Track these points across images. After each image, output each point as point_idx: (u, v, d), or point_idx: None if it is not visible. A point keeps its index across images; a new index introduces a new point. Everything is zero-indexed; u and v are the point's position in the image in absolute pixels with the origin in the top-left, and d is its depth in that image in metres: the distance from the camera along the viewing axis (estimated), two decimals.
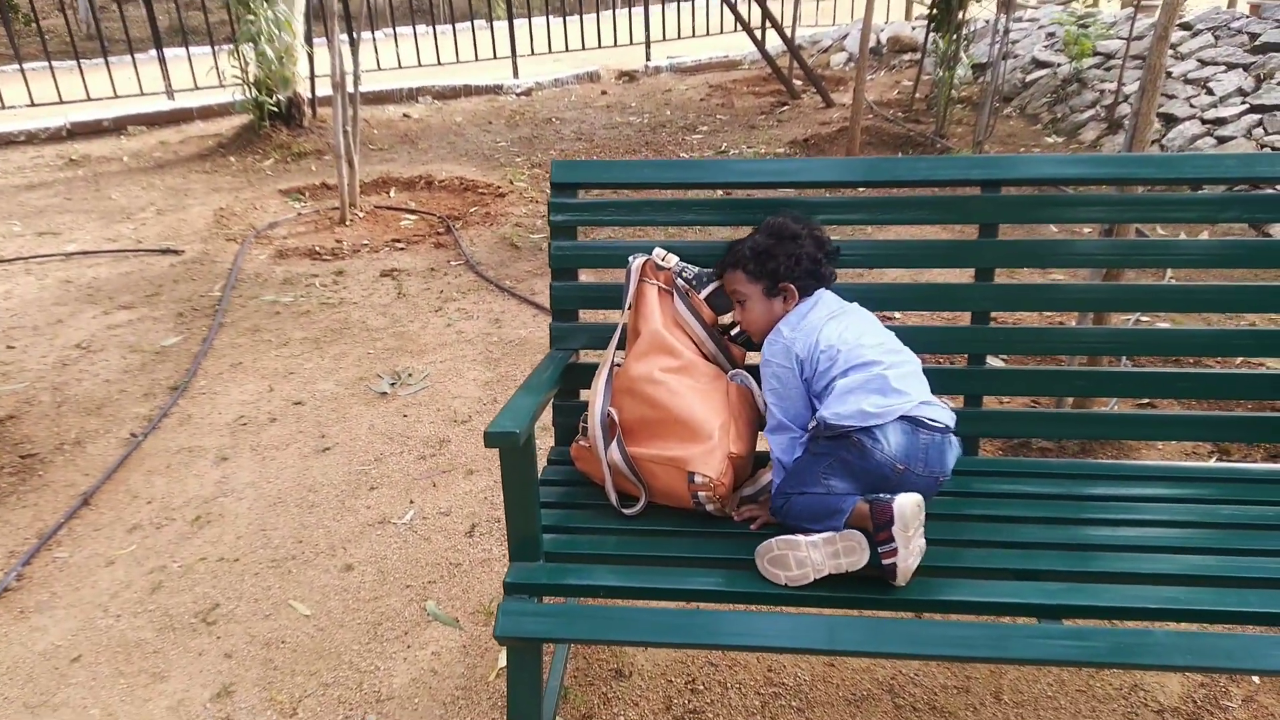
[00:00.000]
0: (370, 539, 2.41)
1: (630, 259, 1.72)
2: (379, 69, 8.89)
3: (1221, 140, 5.34)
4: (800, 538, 1.41)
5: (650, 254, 1.72)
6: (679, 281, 1.69)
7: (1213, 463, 2.53)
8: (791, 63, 8.50)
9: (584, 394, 1.90)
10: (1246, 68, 5.90)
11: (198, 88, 7.96)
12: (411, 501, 2.58)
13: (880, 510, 1.36)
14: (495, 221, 5.18)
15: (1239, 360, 2.89)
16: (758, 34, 8.53)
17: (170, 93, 8.18)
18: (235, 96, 6.81)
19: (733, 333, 1.76)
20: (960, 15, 6.33)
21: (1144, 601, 1.34)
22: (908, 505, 1.36)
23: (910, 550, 1.37)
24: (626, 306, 1.70)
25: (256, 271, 4.46)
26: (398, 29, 9.76)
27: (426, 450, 2.85)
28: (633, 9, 10.76)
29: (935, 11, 6.44)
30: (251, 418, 3.09)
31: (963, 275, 1.80)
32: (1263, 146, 5.02)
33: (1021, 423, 1.84)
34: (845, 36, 10.56)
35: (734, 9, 8.48)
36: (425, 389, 3.26)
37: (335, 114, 5.00)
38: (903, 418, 1.47)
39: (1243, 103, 5.52)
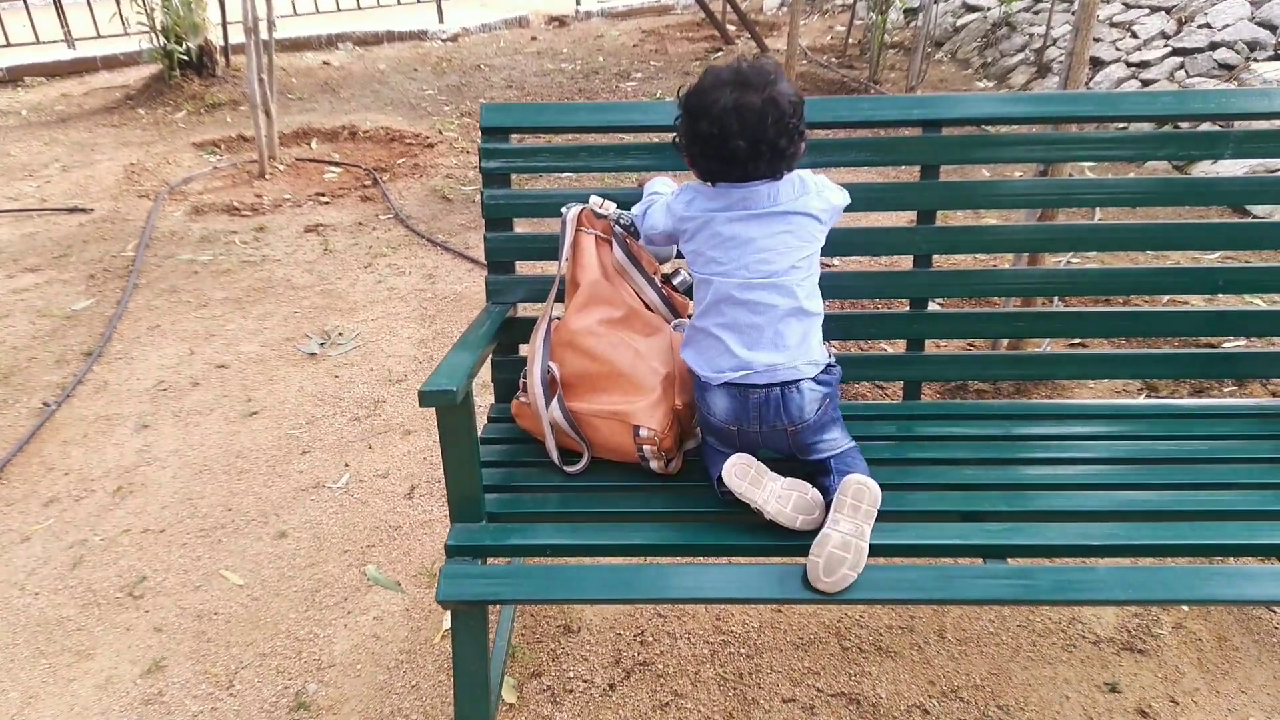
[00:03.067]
0: (304, 504, 2.33)
1: (565, 208, 1.66)
2: (295, 14, 8.49)
3: (1146, 83, 5.44)
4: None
5: (587, 202, 1.66)
6: (617, 229, 1.63)
7: (1143, 399, 2.60)
8: (725, 8, 8.37)
9: (523, 349, 1.84)
10: (1169, 10, 6.00)
11: (100, 35, 7.48)
12: (346, 465, 2.50)
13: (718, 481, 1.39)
14: (425, 173, 5.01)
15: (1165, 299, 2.97)
16: None
17: (70, 41, 7.68)
18: (142, 45, 6.42)
19: (675, 280, 1.71)
20: None
21: (1084, 538, 1.36)
22: (730, 470, 1.38)
23: (767, 498, 1.36)
24: (563, 258, 1.64)
25: (172, 229, 4.24)
26: None
27: (360, 411, 2.76)
28: None
29: None
30: (172, 383, 2.95)
31: (902, 219, 1.78)
32: (1185, 89, 5.12)
33: (961, 365, 1.85)
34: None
35: None
36: (357, 348, 3.15)
37: (249, 62, 4.74)
38: (728, 384, 1.42)
39: (1165, 45, 5.62)
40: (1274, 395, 2.61)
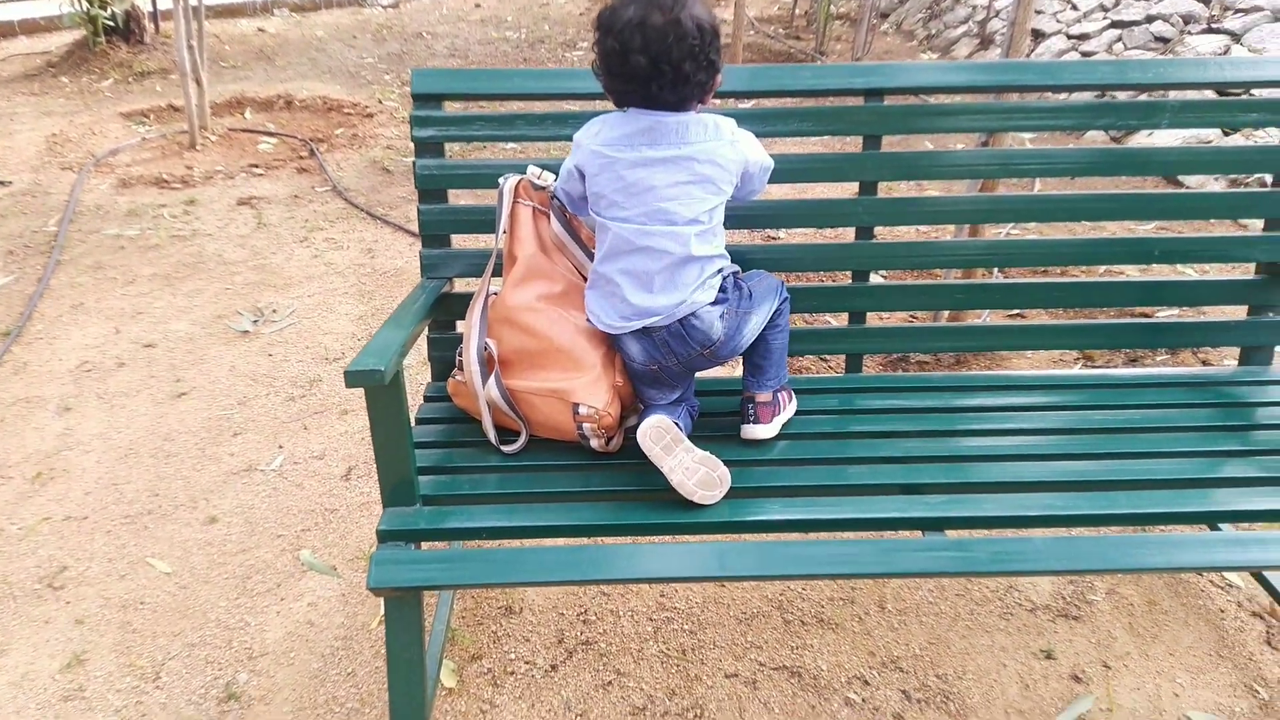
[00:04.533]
0: (236, 488, 2.25)
1: (502, 179, 1.60)
2: None
3: (1086, 54, 5.51)
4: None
5: (524, 173, 1.60)
6: (555, 201, 1.58)
7: (1079, 369, 2.64)
8: None
9: (460, 326, 1.79)
10: None
11: None
12: (280, 446, 2.43)
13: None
14: (364, 144, 4.88)
15: (1102, 269, 3.01)
16: None
17: None
18: (63, 9, 6.12)
19: None
20: None
21: (1020, 509, 1.37)
22: (646, 432, 1.39)
23: (674, 467, 1.37)
24: (501, 230, 1.59)
25: (97, 203, 4.06)
26: None
27: (295, 391, 2.68)
28: None
29: None
30: (97, 363, 2.83)
31: (846, 190, 1.76)
32: None
33: (903, 338, 1.84)
34: None
35: None
36: (292, 325, 3.06)
37: (177, 28, 4.54)
38: (636, 331, 1.46)
39: (1104, 18, 5.69)
40: (1204, 363, 2.67)
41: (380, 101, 5.64)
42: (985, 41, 6.49)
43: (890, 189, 3.44)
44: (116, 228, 3.80)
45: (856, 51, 6.17)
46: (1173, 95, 2.71)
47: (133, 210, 3.98)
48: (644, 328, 1.45)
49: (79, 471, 2.33)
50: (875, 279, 1.78)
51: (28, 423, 2.54)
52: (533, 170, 1.60)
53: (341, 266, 3.49)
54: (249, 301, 3.21)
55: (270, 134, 5.02)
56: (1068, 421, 1.62)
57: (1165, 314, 2.82)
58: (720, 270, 1.48)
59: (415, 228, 3.79)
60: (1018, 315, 2.84)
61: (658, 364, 1.48)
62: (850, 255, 1.77)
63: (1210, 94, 3.43)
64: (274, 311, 3.14)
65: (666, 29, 1.34)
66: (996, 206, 1.80)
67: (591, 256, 1.60)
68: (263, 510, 2.17)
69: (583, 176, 1.49)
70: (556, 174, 1.61)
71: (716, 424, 1.60)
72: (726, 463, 1.41)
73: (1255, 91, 3.04)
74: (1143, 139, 4.31)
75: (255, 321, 3.07)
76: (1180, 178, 3.93)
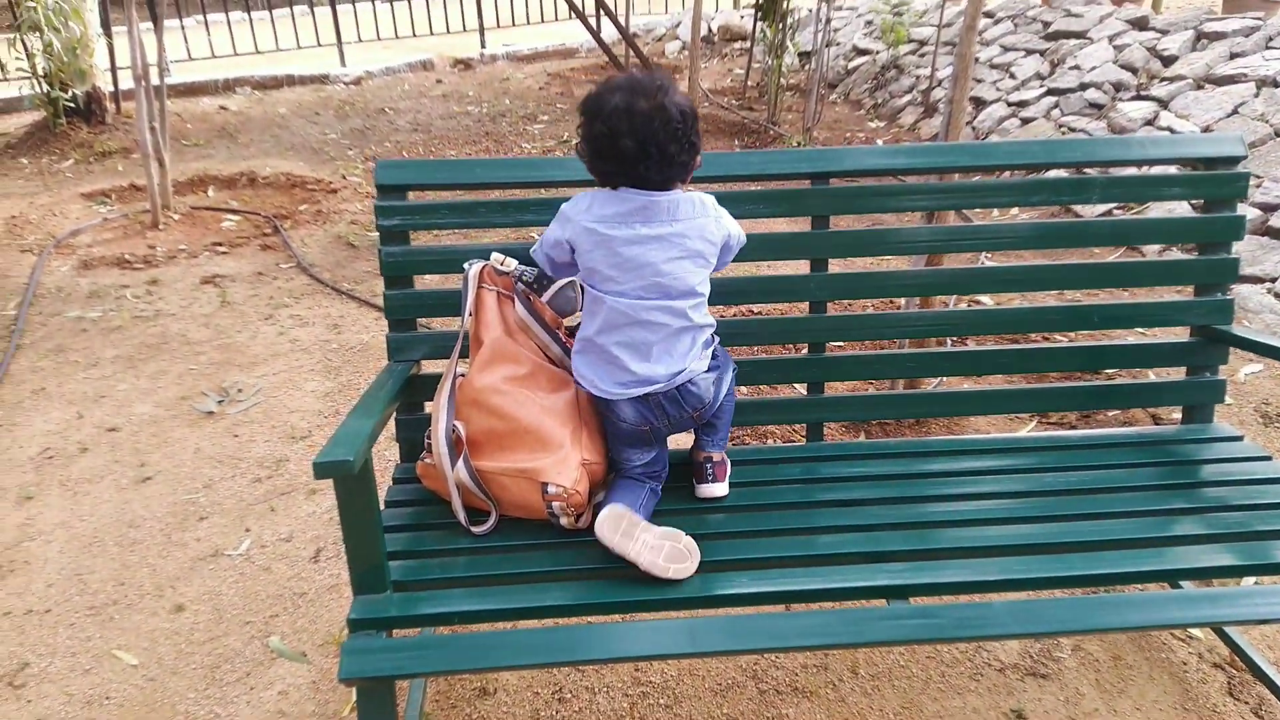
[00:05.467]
0: (203, 574, 2.23)
1: (467, 265, 1.65)
2: (190, 58, 8.28)
3: (1025, 121, 5.76)
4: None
5: (488, 259, 1.65)
6: (519, 286, 1.63)
7: (1033, 432, 2.72)
8: (627, 51, 8.53)
9: (429, 407, 1.82)
10: (1042, 53, 6.38)
11: None
12: (248, 529, 2.41)
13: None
14: (328, 219, 4.92)
15: (1059, 335, 3.12)
16: (592, 22, 8.50)
17: None
18: (23, 91, 6.15)
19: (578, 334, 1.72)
20: (784, 4, 6.52)
21: (982, 574, 1.41)
22: (603, 525, 1.42)
23: (640, 550, 1.40)
24: (466, 314, 1.63)
25: (58, 285, 4.04)
26: (209, 15, 9.09)
27: (262, 472, 2.67)
28: None
29: (761, 1, 6.61)
30: (59, 449, 2.80)
31: (802, 266, 1.83)
32: (1060, 126, 5.45)
33: (862, 406, 1.90)
34: (678, 25, 10.71)
35: None
36: (258, 405, 3.05)
37: (139, 109, 4.60)
38: (634, 398, 1.52)
39: (1041, 86, 5.97)
40: (1154, 419, 2.76)
41: (344, 177, 5.71)
42: (929, 110, 6.75)
43: (848, 263, 3.55)
44: (78, 310, 3.79)
45: (807, 121, 6.38)
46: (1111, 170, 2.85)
47: (95, 292, 3.96)
48: (644, 396, 1.51)
49: (40, 563, 2.29)
50: (833, 349, 1.84)
51: None
52: (496, 257, 1.65)
53: (307, 343, 3.50)
54: (214, 381, 3.20)
55: (233, 211, 5.05)
56: (1024, 484, 1.68)
57: (1117, 374, 2.92)
58: (708, 341, 1.58)
59: (381, 302, 3.83)
60: (973, 379, 2.92)
61: (650, 425, 1.55)
62: (806, 328, 1.83)
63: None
64: (239, 391, 3.13)
65: (652, 114, 1.43)
66: (942, 280, 1.88)
67: (555, 337, 1.65)
68: (231, 596, 2.15)
69: (572, 250, 1.55)
70: (519, 259, 1.66)
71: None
72: (693, 536, 1.45)
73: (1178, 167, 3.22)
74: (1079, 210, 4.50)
75: (220, 402, 3.06)
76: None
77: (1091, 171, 3.27)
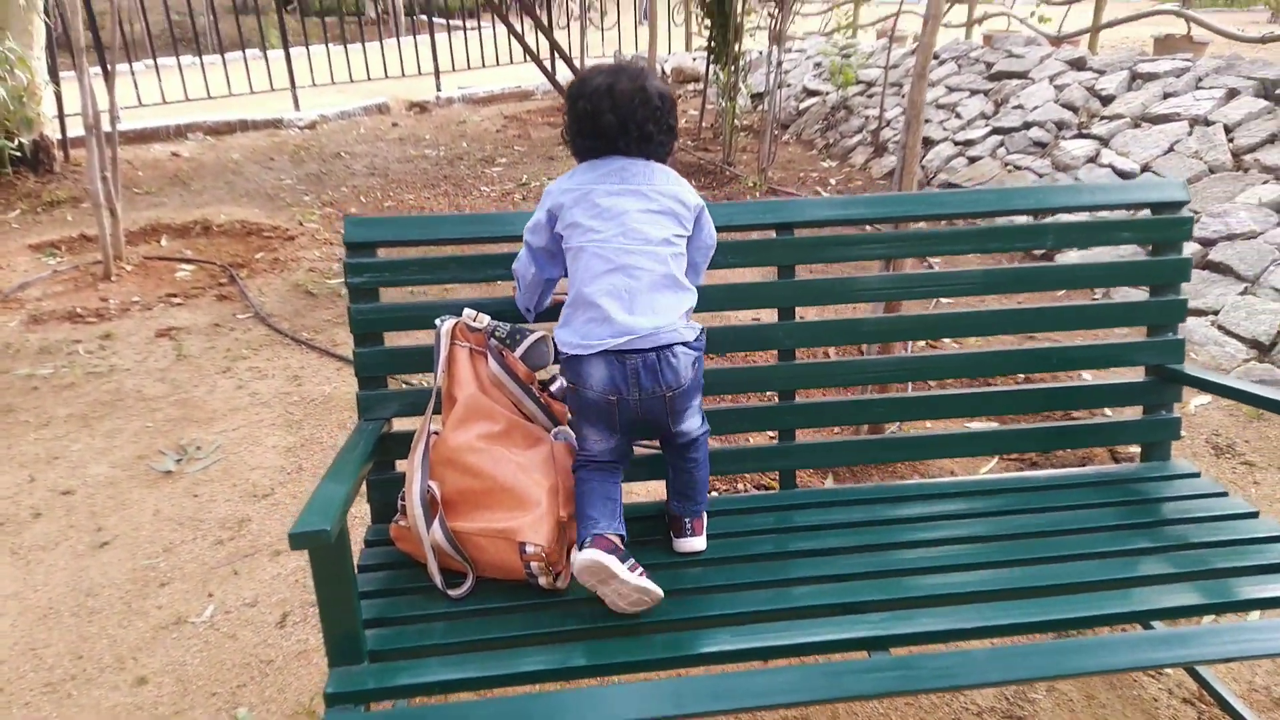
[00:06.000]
0: (165, 644, 2.16)
1: (438, 321, 1.65)
2: (140, 105, 8.18)
3: (972, 160, 5.93)
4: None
5: (460, 315, 1.65)
6: (492, 342, 1.63)
7: (997, 474, 2.77)
8: None
9: (400, 465, 1.80)
10: (986, 93, 6.59)
11: None
12: (211, 595, 2.34)
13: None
14: (286, 267, 4.87)
15: (1022, 376, 3.19)
16: (548, 64, 8.59)
17: None
18: None
19: (552, 388, 1.72)
20: (736, 48, 6.66)
21: (958, 622, 1.43)
22: (582, 568, 1.41)
23: (612, 594, 1.42)
24: (439, 371, 1.62)
25: (6, 341, 3.93)
26: (159, 60, 9.01)
27: (224, 533, 2.61)
28: (418, 37, 10.53)
29: (713, 44, 6.75)
30: (10, 515, 2.71)
31: (770, 314, 1.86)
32: (1006, 165, 5.61)
33: (833, 452, 1.92)
34: None
35: (521, 40, 8.49)
36: (218, 462, 2.99)
37: (90, 160, 4.52)
38: (605, 352, 1.49)
39: (986, 125, 6.16)
40: (1113, 456, 2.83)
41: (301, 223, 5.66)
42: (879, 149, 6.92)
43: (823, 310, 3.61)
44: (28, 367, 3.68)
45: (762, 161, 6.49)
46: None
47: (45, 348, 3.86)
48: (618, 352, 1.48)
49: None
50: (800, 397, 1.87)
51: None
52: (468, 313, 1.65)
53: (267, 396, 3.44)
54: (171, 439, 3.13)
55: (188, 261, 4.98)
56: (992, 528, 1.70)
57: (1076, 414, 2.99)
58: (689, 313, 1.58)
59: (342, 351, 3.79)
60: (939, 422, 2.97)
61: (618, 394, 1.50)
62: (777, 376, 1.85)
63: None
64: (198, 448, 3.07)
65: (633, 93, 1.55)
66: (902, 325, 1.92)
67: (529, 393, 1.65)
68: (195, 666, 2.08)
69: (553, 222, 1.58)
70: (491, 315, 1.67)
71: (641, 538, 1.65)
72: (671, 591, 1.45)
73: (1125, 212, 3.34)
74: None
75: (179, 460, 2.99)
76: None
77: (1045, 217, 3.38)
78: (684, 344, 1.52)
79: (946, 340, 3.57)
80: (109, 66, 4.88)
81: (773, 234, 1.82)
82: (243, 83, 8.90)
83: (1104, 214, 3.98)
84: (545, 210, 1.59)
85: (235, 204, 6.13)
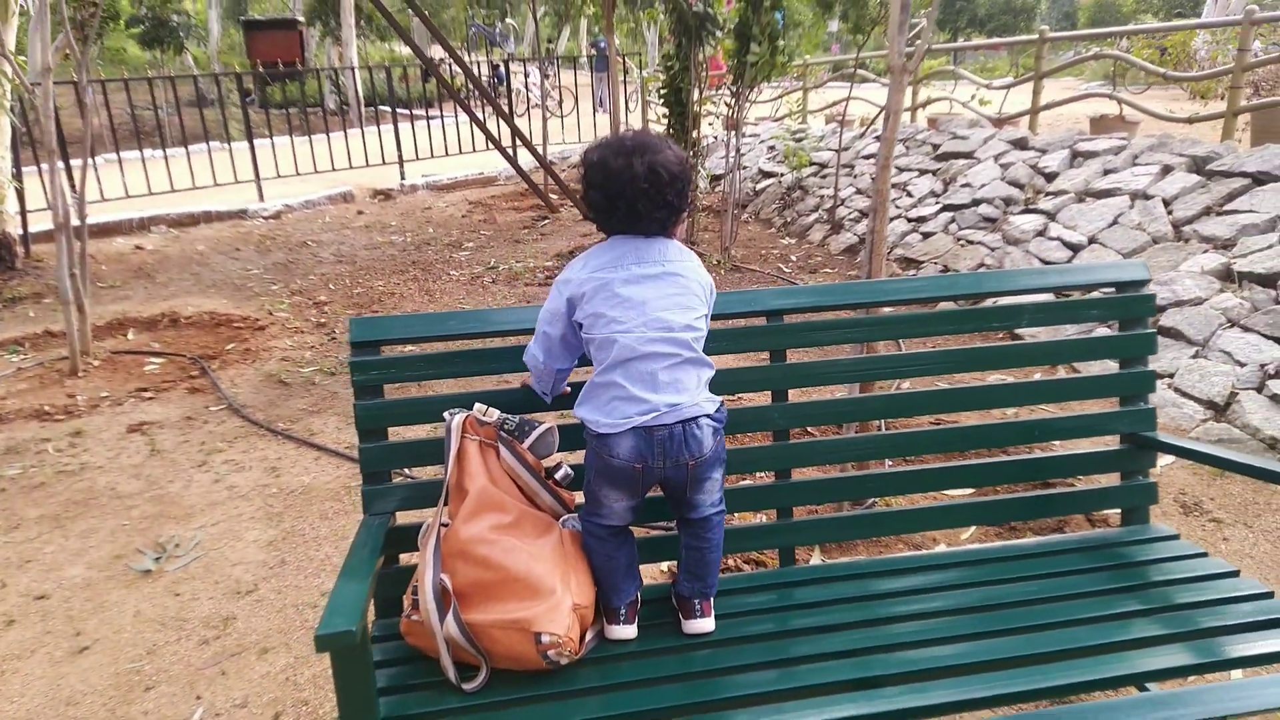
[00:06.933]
0: None
1: (448, 415, 1.68)
2: (103, 199, 8.19)
3: (926, 235, 6.18)
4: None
5: (469, 409, 1.69)
6: (502, 434, 1.67)
7: (977, 541, 2.83)
8: (546, 178, 8.84)
9: (405, 559, 1.81)
10: (934, 173, 6.90)
11: None
12: (198, 697, 2.28)
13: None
14: (257, 357, 4.86)
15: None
16: (510, 152, 8.81)
17: None
18: None
19: (557, 475, 1.75)
20: (695, 134, 6.92)
21: (968, 692, 1.46)
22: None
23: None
24: (450, 465, 1.65)
25: None
26: (122, 154, 9.06)
27: (209, 633, 2.55)
28: (381, 127, 10.75)
29: (671, 130, 7.00)
30: None
31: (763, 399, 1.93)
32: (959, 239, 5.85)
33: (829, 529, 1.97)
34: None
35: (484, 128, 8.72)
36: (198, 559, 2.94)
37: (60, 257, 4.52)
38: (634, 428, 1.55)
39: (937, 203, 6.43)
40: (1089, 521, 2.91)
41: (270, 313, 5.67)
42: (835, 226, 7.17)
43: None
44: None
45: (725, 240, 6.68)
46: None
47: (12, 447, 3.79)
48: (644, 428, 1.53)
49: None
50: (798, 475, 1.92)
51: None
52: (479, 407, 1.69)
53: (245, 489, 3.40)
54: (149, 537, 3.07)
55: (157, 354, 4.94)
56: (987, 597, 1.75)
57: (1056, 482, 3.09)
58: (710, 378, 1.63)
59: (320, 440, 3.77)
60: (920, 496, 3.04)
61: (643, 463, 1.55)
62: (773, 456, 1.91)
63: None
64: (177, 546, 3.01)
65: (657, 168, 1.58)
66: (890, 404, 2.00)
67: (542, 483, 1.68)
68: None
69: (571, 310, 1.62)
70: (500, 409, 1.71)
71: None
72: (677, 676, 1.51)
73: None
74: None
75: (157, 559, 2.93)
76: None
77: (1021, 299, 3.48)
78: (706, 416, 1.58)
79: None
80: (81, 160, 4.90)
81: (764, 321, 1.90)
82: (206, 175, 8.99)
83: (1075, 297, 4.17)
84: (564, 299, 1.63)
85: (203, 295, 6.12)
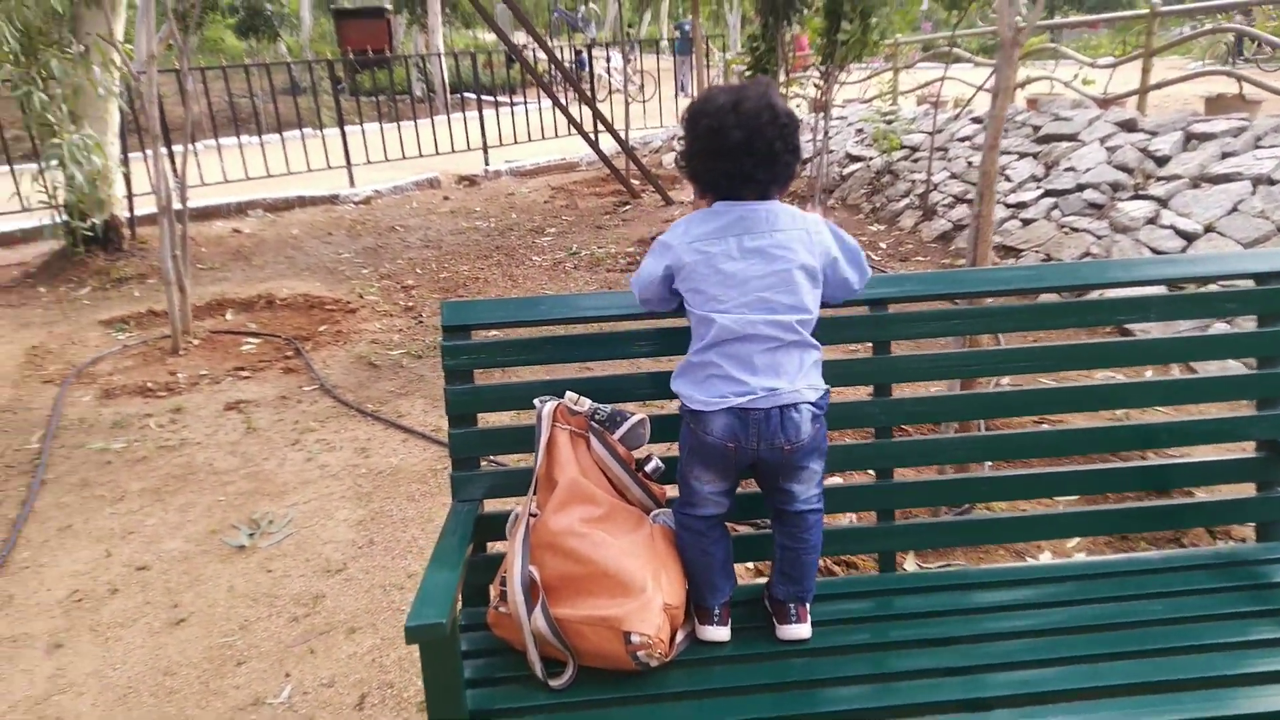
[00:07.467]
0: None
1: (538, 403, 1.64)
2: (203, 183, 8.48)
3: (1026, 222, 5.90)
4: None
5: (560, 397, 1.65)
6: (593, 424, 1.62)
7: (1098, 556, 2.67)
8: (628, 163, 8.79)
9: (492, 547, 1.78)
10: (1035, 156, 6.59)
11: None
12: (287, 674, 2.32)
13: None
14: (348, 340, 4.95)
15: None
16: (592, 136, 8.79)
17: None
18: (42, 221, 6.27)
19: (648, 468, 1.69)
20: None
21: (1094, 715, 1.36)
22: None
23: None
24: (540, 453, 1.61)
25: (80, 416, 4.02)
26: (220, 140, 9.37)
27: (298, 610, 2.59)
28: (466, 113, 10.86)
29: None
30: (88, 591, 2.73)
31: (860, 392, 1.83)
32: (1062, 227, 5.57)
33: (932, 533, 1.87)
34: (674, 137, 11.07)
35: (567, 113, 8.72)
36: (290, 536, 2.99)
37: (163, 240, 4.68)
38: (730, 408, 1.47)
39: (1038, 188, 6.14)
40: (1213, 537, 2.71)
41: (361, 296, 5.78)
42: (928, 213, 6.92)
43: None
44: (102, 441, 3.76)
45: None
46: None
47: (118, 422, 3.94)
48: (739, 408, 1.46)
49: (72, 718, 2.20)
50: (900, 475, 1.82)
51: (15, 665, 2.40)
52: (570, 396, 1.64)
53: (336, 469, 3.46)
54: (244, 513, 3.15)
55: (253, 335, 5.09)
56: (1106, 615, 1.63)
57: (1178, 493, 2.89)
58: (817, 363, 1.54)
59: (407, 423, 3.81)
60: (1035, 502, 2.87)
61: (736, 442, 1.48)
62: (874, 455, 1.82)
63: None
64: (270, 522, 3.08)
65: (760, 110, 1.46)
66: (1000, 401, 1.88)
67: (633, 476, 1.63)
68: None
69: (670, 279, 1.55)
70: (591, 398, 1.66)
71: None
72: (771, 685, 1.44)
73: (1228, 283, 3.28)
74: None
75: (251, 535, 3.00)
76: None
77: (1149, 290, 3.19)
78: (807, 403, 1.49)
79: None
80: (183, 147, 5.06)
81: (866, 310, 1.80)
82: (300, 160, 9.22)
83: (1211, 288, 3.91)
84: (663, 265, 1.54)
85: (297, 278, 6.28)
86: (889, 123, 8.58)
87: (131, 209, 6.90)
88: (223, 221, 8.02)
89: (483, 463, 1.81)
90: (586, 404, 1.63)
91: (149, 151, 4.72)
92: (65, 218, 6.22)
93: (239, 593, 2.69)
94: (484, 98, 10.88)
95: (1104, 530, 1.91)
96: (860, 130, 9.30)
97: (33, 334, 5.18)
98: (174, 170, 6.08)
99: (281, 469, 3.47)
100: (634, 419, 1.63)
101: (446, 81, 14.85)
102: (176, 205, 4.77)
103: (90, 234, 6.40)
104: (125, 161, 6.73)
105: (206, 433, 3.82)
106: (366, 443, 3.68)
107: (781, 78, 6.61)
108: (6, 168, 6.97)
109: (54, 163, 5.83)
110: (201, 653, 2.43)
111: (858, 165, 8.65)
